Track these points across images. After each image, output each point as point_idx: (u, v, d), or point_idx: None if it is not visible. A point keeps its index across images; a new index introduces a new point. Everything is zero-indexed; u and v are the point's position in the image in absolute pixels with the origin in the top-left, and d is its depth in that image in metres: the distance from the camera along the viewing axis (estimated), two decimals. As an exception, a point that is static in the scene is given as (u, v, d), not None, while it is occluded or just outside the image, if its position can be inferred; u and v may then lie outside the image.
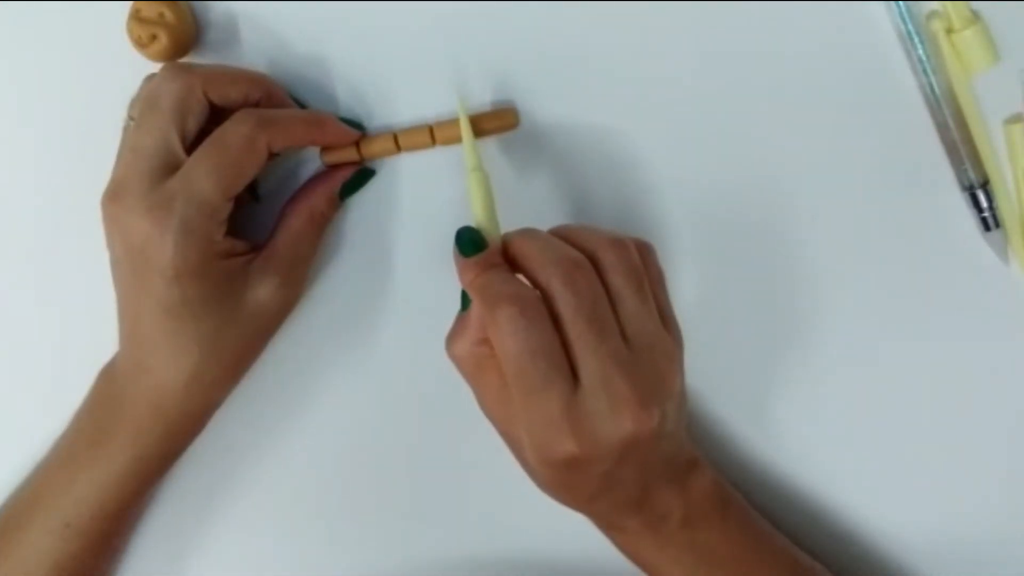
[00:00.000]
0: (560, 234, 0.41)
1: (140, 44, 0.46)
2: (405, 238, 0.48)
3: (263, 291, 0.44)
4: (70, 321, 0.49)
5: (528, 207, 0.47)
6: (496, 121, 0.46)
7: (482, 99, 0.47)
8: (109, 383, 0.46)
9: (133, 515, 0.48)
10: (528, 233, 0.41)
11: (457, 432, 0.48)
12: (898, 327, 0.47)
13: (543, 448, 0.39)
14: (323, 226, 0.47)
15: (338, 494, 0.49)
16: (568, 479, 0.40)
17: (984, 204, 0.46)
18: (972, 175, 0.46)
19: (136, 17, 0.45)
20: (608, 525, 0.43)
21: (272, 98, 0.45)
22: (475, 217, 0.42)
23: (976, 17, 0.45)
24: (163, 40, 0.45)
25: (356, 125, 0.47)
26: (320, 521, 0.50)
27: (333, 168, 0.47)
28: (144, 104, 0.43)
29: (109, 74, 0.47)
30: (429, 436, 0.49)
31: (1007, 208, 0.46)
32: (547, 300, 0.39)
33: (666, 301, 0.42)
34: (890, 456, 0.48)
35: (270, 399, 0.49)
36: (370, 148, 0.47)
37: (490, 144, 0.47)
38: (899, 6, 0.46)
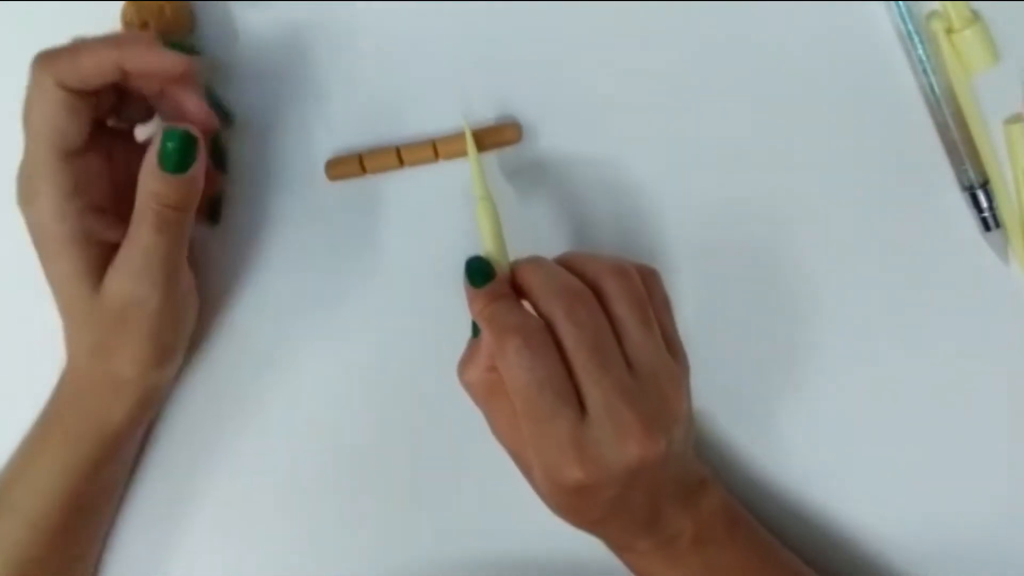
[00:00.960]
0: (565, 262, 0.42)
1: (129, 26, 0.45)
2: (402, 247, 0.48)
3: (111, 283, 0.42)
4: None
5: (531, 223, 0.47)
6: (498, 136, 0.46)
7: (484, 115, 0.47)
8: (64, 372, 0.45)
9: (95, 507, 0.47)
10: (533, 263, 0.42)
11: (455, 431, 0.47)
12: (898, 328, 0.47)
13: (550, 472, 0.39)
14: (172, 212, 0.42)
15: (332, 495, 0.48)
16: (577, 504, 0.41)
17: (984, 204, 0.46)
18: (972, 175, 0.46)
19: (135, 2, 0.45)
20: (620, 546, 0.43)
21: (138, 56, 0.41)
22: (484, 246, 0.43)
23: (976, 17, 0.46)
24: (151, 31, 0.45)
25: (187, 51, 0.44)
26: (312, 522, 0.49)
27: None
28: (22, 106, 0.41)
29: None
30: (426, 435, 0.48)
31: (1007, 208, 0.46)
32: (552, 331, 0.39)
33: (672, 326, 0.43)
34: (893, 463, 0.47)
35: (261, 398, 0.48)
36: (374, 162, 0.46)
37: (492, 159, 0.47)
38: (899, 6, 0.46)
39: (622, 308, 0.40)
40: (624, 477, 0.39)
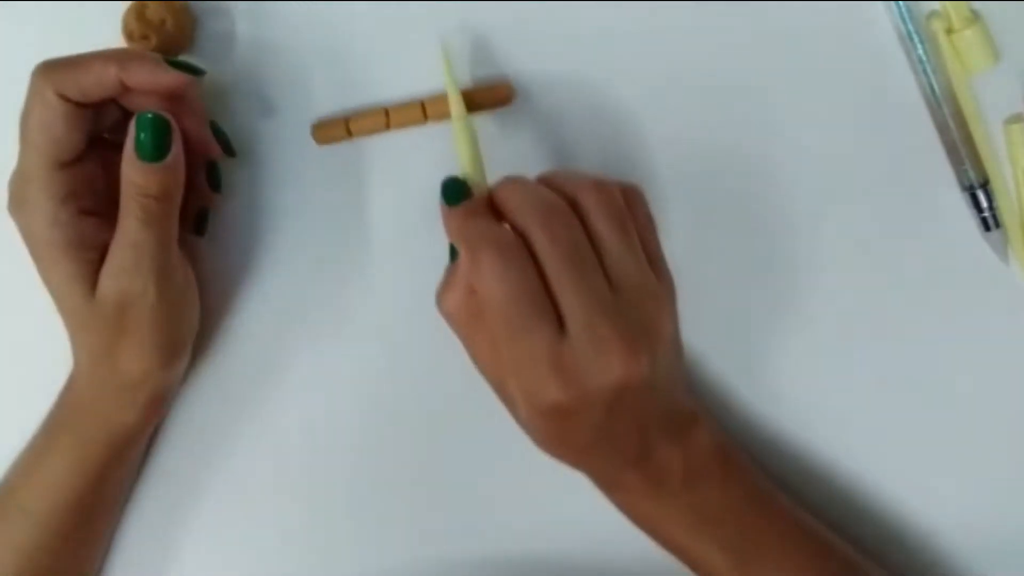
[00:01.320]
0: (544, 180, 0.41)
1: (130, 37, 0.45)
2: (391, 216, 0.48)
3: (103, 281, 0.42)
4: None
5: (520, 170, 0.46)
6: (490, 95, 0.46)
7: (476, 75, 0.47)
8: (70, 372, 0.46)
9: (102, 509, 0.47)
10: (511, 180, 0.40)
11: (461, 420, 0.47)
12: (898, 327, 0.47)
13: (531, 396, 0.38)
14: (156, 204, 0.42)
15: (334, 493, 0.49)
16: (559, 429, 0.39)
17: (984, 204, 0.46)
18: (972, 175, 0.46)
19: (139, 12, 0.45)
20: (607, 482, 0.43)
21: (137, 70, 0.41)
22: (461, 167, 0.42)
23: (976, 17, 0.46)
24: (153, 43, 0.45)
25: (189, 68, 0.43)
26: (313, 520, 0.49)
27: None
28: (20, 116, 0.42)
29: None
30: (432, 426, 0.48)
31: (1007, 208, 0.46)
32: (528, 246, 0.38)
33: (656, 245, 0.42)
34: (892, 455, 0.47)
35: (262, 396, 0.49)
36: (360, 124, 0.46)
37: (485, 122, 0.47)
38: (899, 6, 0.46)
39: (601, 223, 0.39)
40: (606, 398, 0.38)
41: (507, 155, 0.47)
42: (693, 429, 0.42)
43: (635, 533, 0.44)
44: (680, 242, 0.46)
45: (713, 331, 0.47)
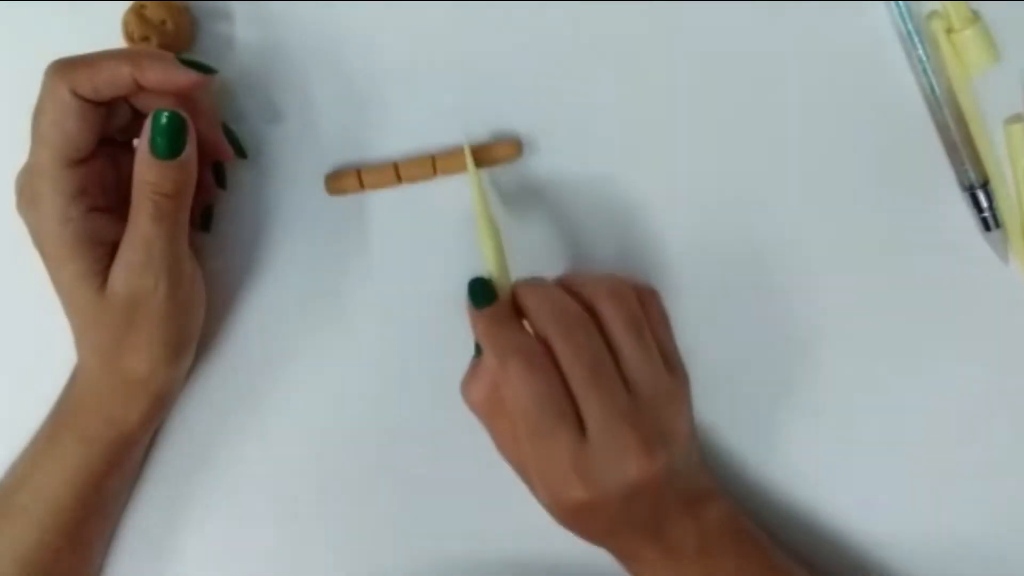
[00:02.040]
0: (564, 283, 0.43)
1: (130, 38, 0.45)
2: (400, 263, 0.48)
3: (114, 277, 0.42)
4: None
5: (530, 240, 0.48)
6: (498, 152, 0.46)
7: (482, 131, 0.47)
8: (72, 377, 0.46)
9: (104, 510, 0.47)
10: (532, 286, 0.43)
11: (454, 442, 0.47)
12: (899, 328, 0.47)
13: (553, 493, 0.41)
14: (168, 200, 0.42)
15: (329, 494, 0.49)
16: (581, 520, 0.42)
17: (984, 204, 0.46)
18: (972, 175, 0.46)
19: (139, 13, 0.45)
20: (626, 556, 0.44)
21: (151, 70, 0.42)
22: (486, 266, 0.43)
23: (976, 17, 0.45)
24: (153, 44, 0.45)
25: (202, 68, 0.43)
26: (313, 521, 0.49)
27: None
28: (32, 112, 0.42)
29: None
30: (427, 444, 0.48)
31: (1007, 208, 0.46)
32: (550, 353, 0.41)
33: (670, 343, 0.45)
34: (897, 467, 0.47)
35: (262, 407, 0.49)
36: (372, 178, 0.47)
37: (491, 175, 0.47)
38: (899, 6, 0.45)
39: (618, 330, 0.42)
40: (625, 494, 0.40)
41: (513, 210, 0.48)
42: (707, 504, 0.44)
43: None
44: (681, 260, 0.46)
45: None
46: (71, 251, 0.42)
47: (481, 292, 0.43)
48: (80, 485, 0.45)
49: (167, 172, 0.41)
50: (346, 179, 0.47)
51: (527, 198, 0.48)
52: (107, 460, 0.45)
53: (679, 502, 0.42)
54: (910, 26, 0.45)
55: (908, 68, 0.46)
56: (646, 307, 0.43)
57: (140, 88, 0.42)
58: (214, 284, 0.47)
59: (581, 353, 0.40)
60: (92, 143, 0.42)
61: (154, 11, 0.45)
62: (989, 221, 0.46)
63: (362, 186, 0.47)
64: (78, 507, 0.45)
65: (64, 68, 0.41)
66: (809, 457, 0.48)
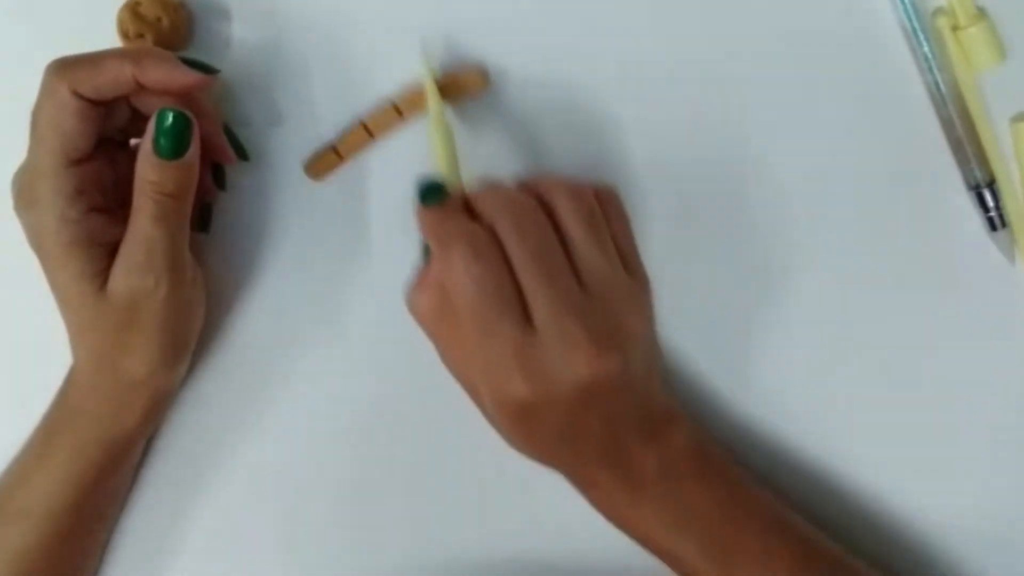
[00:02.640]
0: (520, 185, 0.41)
1: (125, 36, 0.45)
2: (381, 224, 0.48)
3: (114, 278, 0.42)
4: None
5: (498, 171, 0.46)
6: (463, 83, 0.45)
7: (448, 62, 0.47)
8: (69, 375, 0.45)
9: (101, 514, 0.47)
10: (487, 184, 0.41)
11: (458, 425, 0.47)
12: (903, 326, 0.47)
13: (497, 391, 0.39)
14: (170, 200, 0.42)
15: (329, 493, 0.49)
16: (526, 426, 0.40)
17: (990, 203, 0.45)
18: (978, 174, 0.45)
19: (133, 10, 0.45)
20: (580, 480, 0.42)
21: (152, 70, 0.41)
22: (437, 166, 0.42)
23: (982, 14, 0.45)
24: (148, 41, 0.45)
25: (204, 68, 0.44)
26: (312, 523, 0.49)
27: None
28: (31, 111, 0.42)
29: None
30: (429, 432, 0.48)
31: (1013, 207, 0.46)
32: (500, 245, 0.39)
33: (630, 244, 0.42)
34: (895, 456, 0.47)
35: (261, 401, 0.48)
36: (346, 146, 0.46)
37: (458, 111, 0.47)
38: (904, 3, 0.45)
39: (571, 222, 0.40)
40: (573, 396, 0.38)
41: (479, 146, 0.47)
42: (669, 428, 0.42)
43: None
44: (668, 242, 0.46)
45: (703, 331, 0.47)
46: (70, 252, 0.41)
47: (431, 190, 0.41)
48: (77, 488, 0.44)
49: (170, 172, 0.41)
50: (324, 158, 0.46)
51: (496, 132, 0.47)
52: (104, 463, 0.45)
53: (638, 423, 0.41)
54: (916, 23, 0.45)
55: (913, 65, 0.46)
56: (605, 205, 0.41)
57: (141, 88, 0.41)
58: (213, 284, 0.47)
59: (528, 241, 0.38)
60: (91, 143, 0.42)
61: (149, 8, 0.45)
62: (995, 220, 0.45)
63: (340, 157, 0.46)
64: (74, 510, 0.44)
65: (65, 68, 0.41)
66: (793, 387, 0.47)
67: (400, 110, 0.45)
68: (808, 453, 0.47)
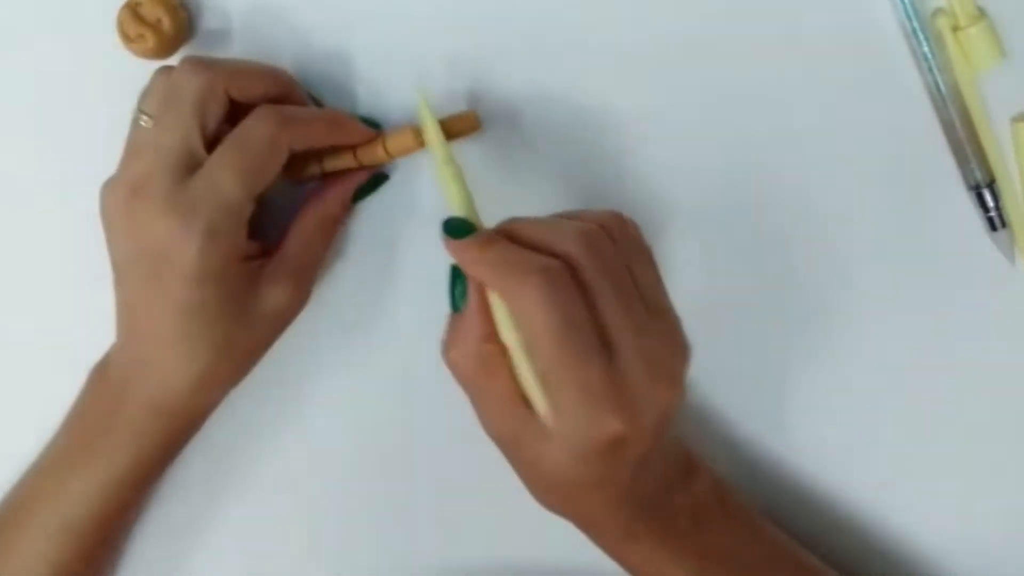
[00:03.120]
0: (563, 216, 0.40)
1: (126, 37, 0.45)
2: (411, 239, 0.48)
3: (275, 295, 0.44)
4: (62, 317, 0.49)
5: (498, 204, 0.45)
6: (457, 126, 0.45)
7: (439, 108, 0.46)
8: (103, 382, 0.45)
9: (131, 517, 0.47)
10: (526, 219, 0.39)
11: (462, 436, 0.47)
12: (903, 327, 0.47)
13: (585, 431, 0.36)
14: (334, 231, 0.47)
15: (339, 499, 0.49)
16: (605, 467, 0.38)
17: (990, 203, 0.45)
18: (978, 174, 0.45)
19: (134, 11, 0.45)
20: (620, 534, 0.42)
21: (291, 95, 0.45)
22: (454, 210, 0.40)
23: (982, 14, 0.45)
24: (149, 42, 0.45)
25: (374, 124, 0.46)
26: (321, 525, 0.49)
27: (344, 171, 0.46)
28: (164, 100, 0.42)
29: (95, 63, 0.46)
30: (433, 440, 0.48)
31: (1013, 207, 0.46)
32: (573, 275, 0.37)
33: (660, 281, 0.41)
34: (897, 456, 0.47)
35: (273, 402, 0.49)
36: (331, 162, 0.46)
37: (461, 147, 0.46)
38: (904, 3, 0.45)
39: (626, 251, 0.39)
40: (655, 428, 0.37)
41: (480, 186, 0.45)
42: (693, 474, 0.43)
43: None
44: (667, 242, 0.45)
45: (703, 330, 0.46)
46: (226, 275, 0.42)
47: (458, 225, 0.39)
48: (107, 504, 0.44)
49: (349, 211, 0.47)
50: (306, 164, 0.46)
51: (493, 174, 0.47)
52: (134, 479, 0.44)
53: (673, 471, 0.41)
54: (916, 23, 0.45)
55: (913, 65, 0.46)
56: (626, 240, 0.40)
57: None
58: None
59: (609, 266, 0.37)
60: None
61: (149, 8, 0.45)
62: (995, 220, 0.45)
63: (322, 168, 0.46)
64: (101, 525, 0.44)
65: (287, 122, 0.42)
66: (809, 441, 0.47)
67: (388, 151, 0.45)
68: (798, 451, 0.48)
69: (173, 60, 0.46)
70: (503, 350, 0.38)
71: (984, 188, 0.45)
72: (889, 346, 0.47)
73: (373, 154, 0.45)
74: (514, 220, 0.39)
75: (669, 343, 0.39)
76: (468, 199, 0.40)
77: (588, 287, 0.36)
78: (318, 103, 0.47)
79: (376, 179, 0.47)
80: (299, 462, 0.49)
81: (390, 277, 0.48)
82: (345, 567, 0.49)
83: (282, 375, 0.48)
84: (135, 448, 0.43)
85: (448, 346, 0.40)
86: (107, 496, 0.44)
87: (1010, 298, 0.46)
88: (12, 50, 0.48)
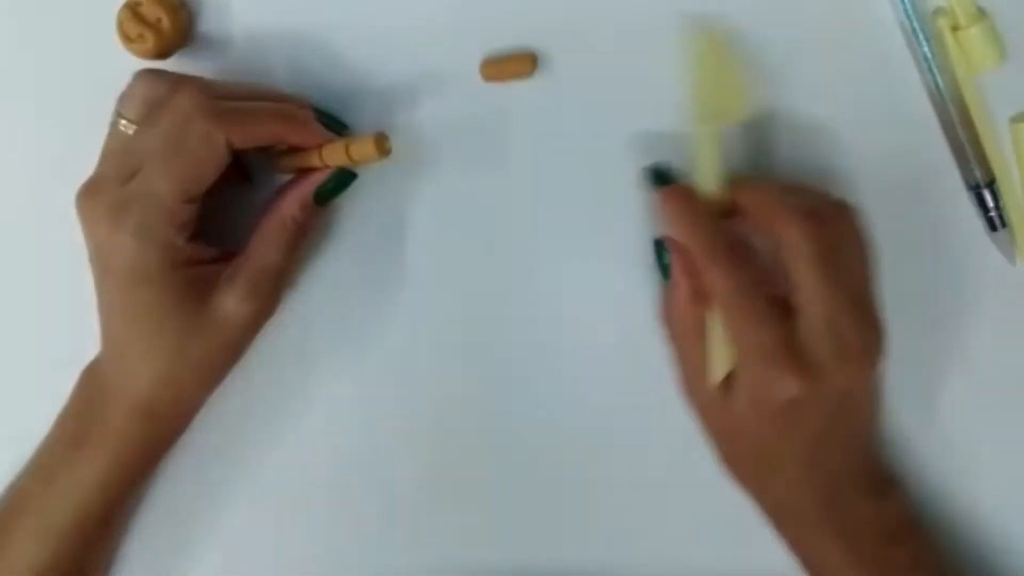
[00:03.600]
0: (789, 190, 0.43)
1: (126, 37, 0.45)
2: (402, 235, 0.48)
3: (230, 303, 0.42)
4: (55, 318, 0.49)
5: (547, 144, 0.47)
6: (514, 67, 0.45)
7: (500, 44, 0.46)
8: (90, 383, 0.45)
9: (119, 519, 0.47)
10: (757, 184, 0.42)
11: (453, 437, 0.48)
12: (903, 326, 0.46)
13: (762, 388, 0.39)
14: (299, 235, 0.44)
15: (334, 499, 0.49)
16: (783, 430, 0.40)
17: (990, 203, 0.45)
18: (978, 174, 0.45)
19: (134, 11, 0.45)
20: (805, 523, 0.42)
21: (304, 132, 0.43)
22: (701, 176, 0.42)
23: (982, 14, 0.45)
24: (149, 43, 0.45)
25: (340, 125, 0.45)
26: (314, 526, 0.49)
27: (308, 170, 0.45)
28: (164, 139, 0.41)
29: (95, 63, 0.46)
30: (425, 441, 0.48)
31: (1014, 207, 0.46)
32: (785, 245, 0.40)
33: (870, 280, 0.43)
34: (897, 454, 0.47)
35: (264, 403, 0.48)
36: (329, 155, 0.44)
37: (504, 91, 0.46)
38: (904, 3, 0.45)
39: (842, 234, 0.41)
40: (835, 401, 0.39)
41: (529, 130, 0.47)
42: (888, 490, 0.43)
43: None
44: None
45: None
46: (175, 274, 0.41)
47: (657, 173, 0.43)
48: (104, 501, 0.44)
49: (315, 213, 0.44)
50: (305, 156, 0.44)
51: (542, 119, 0.47)
52: (131, 478, 0.44)
53: (862, 472, 0.42)
54: (916, 23, 0.45)
55: (913, 65, 0.46)
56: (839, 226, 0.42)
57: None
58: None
59: (823, 242, 0.39)
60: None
61: (149, 8, 0.45)
62: (995, 220, 0.45)
63: (322, 163, 0.44)
64: (97, 522, 0.44)
65: (225, 118, 0.41)
66: None
67: (352, 157, 0.43)
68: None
69: (173, 60, 0.46)
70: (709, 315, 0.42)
71: (984, 188, 0.45)
72: (888, 345, 0.47)
73: (337, 157, 0.43)
74: (749, 183, 0.42)
75: (859, 322, 0.39)
76: (718, 166, 0.42)
77: (799, 256, 0.39)
78: (335, 125, 0.45)
79: (340, 179, 0.44)
80: (291, 464, 0.49)
81: (385, 276, 0.48)
82: (338, 569, 0.49)
83: (277, 376, 0.48)
84: (115, 450, 0.43)
85: (664, 306, 0.44)
86: (89, 499, 0.43)
87: (1010, 298, 0.46)
88: (12, 50, 0.48)
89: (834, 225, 0.40)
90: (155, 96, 0.41)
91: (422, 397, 0.48)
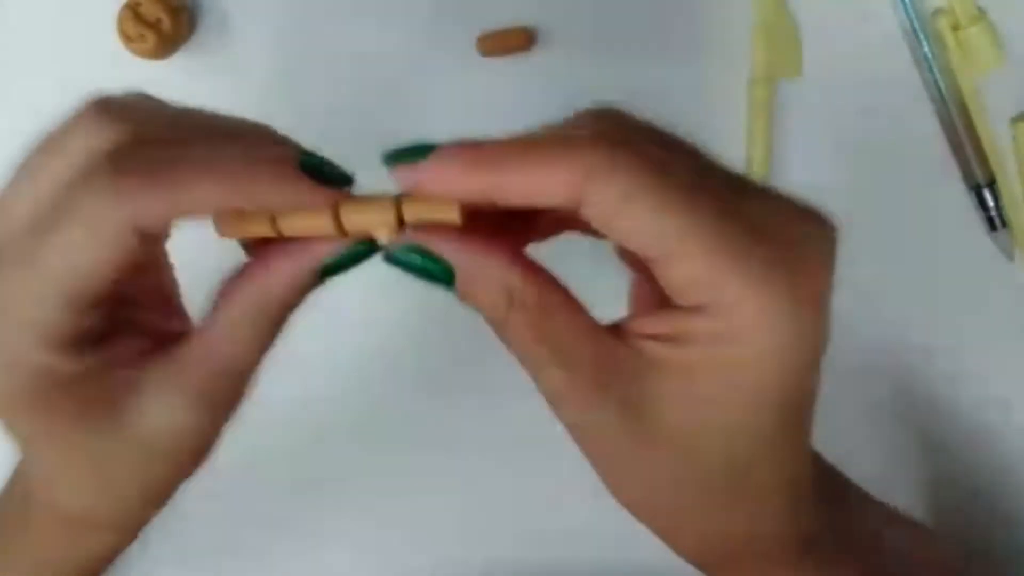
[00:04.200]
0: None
1: (126, 37, 0.45)
2: None
3: (160, 410, 0.28)
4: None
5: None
6: (510, 41, 0.45)
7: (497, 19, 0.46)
8: (19, 478, 0.33)
9: None
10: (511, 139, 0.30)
11: (457, 436, 0.47)
12: (903, 326, 0.47)
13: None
14: (280, 323, 0.29)
15: (329, 497, 0.49)
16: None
17: (990, 203, 0.45)
18: (978, 174, 0.45)
19: (134, 11, 0.45)
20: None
21: (273, 190, 0.27)
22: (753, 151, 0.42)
23: (982, 14, 0.45)
24: (149, 43, 0.45)
25: (342, 178, 0.28)
26: (311, 525, 0.49)
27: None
28: (31, 220, 0.27)
29: (95, 63, 0.46)
30: (421, 434, 0.48)
31: (1013, 207, 0.46)
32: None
33: None
34: (890, 456, 0.47)
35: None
36: (358, 217, 0.28)
37: (499, 66, 0.46)
38: (904, 3, 0.45)
39: None
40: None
41: (524, 103, 0.46)
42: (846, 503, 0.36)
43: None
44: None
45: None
46: (46, 405, 0.28)
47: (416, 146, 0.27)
48: None
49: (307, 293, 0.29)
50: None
51: (537, 93, 0.46)
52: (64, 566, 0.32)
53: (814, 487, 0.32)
54: (916, 23, 0.45)
55: (913, 65, 0.46)
56: None
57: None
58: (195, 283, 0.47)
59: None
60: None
61: (149, 8, 0.45)
62: (995, 220, 0.45)
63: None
64: None
65: (141, 177, 0.25)
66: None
67: (345, 228, 0.28)
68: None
69: (173, 60, 0.46)
70: None
71: (984, 188, 0.45)
72: (887, 346, 0.47)
73: (367, 220, 0.28)
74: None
75: (779, 204, 0.29)
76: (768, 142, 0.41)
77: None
78: (334, 176, 0.28)
79: (356, 254, 0.28)
80: (285, 461, 0.49)
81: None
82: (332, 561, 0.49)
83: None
84: (37, 556, 0.32)
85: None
86: None
87: (1009, 297, 0.46)
88: (12, 50, 0.48)
89: (611, 134, 0.28)
90: (58, 130, 0.28)
91: (419, 394, 0.48)
